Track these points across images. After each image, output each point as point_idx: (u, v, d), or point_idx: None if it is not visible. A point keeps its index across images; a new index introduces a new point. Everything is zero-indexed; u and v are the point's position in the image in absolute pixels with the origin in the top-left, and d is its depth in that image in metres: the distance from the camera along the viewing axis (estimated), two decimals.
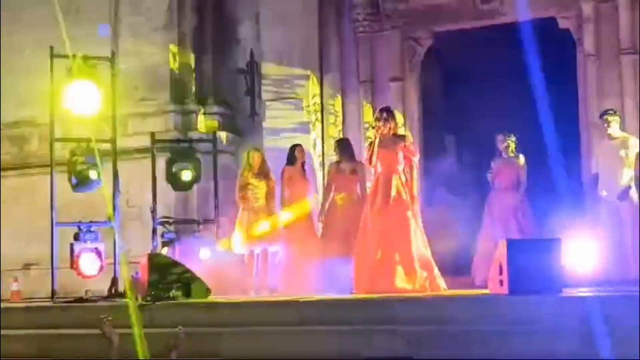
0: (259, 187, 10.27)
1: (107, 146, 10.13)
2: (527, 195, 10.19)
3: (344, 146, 10.27)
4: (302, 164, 10.42)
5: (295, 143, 10.55)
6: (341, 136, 11.34)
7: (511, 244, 7.42)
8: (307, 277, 9.79)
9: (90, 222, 9.95)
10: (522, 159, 10.32)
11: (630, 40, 10.56)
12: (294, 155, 10.37)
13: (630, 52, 10.56)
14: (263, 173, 10.33)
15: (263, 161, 10.42)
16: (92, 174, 9.70)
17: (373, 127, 8.97)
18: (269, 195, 10.29)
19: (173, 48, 12.20)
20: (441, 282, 8.76)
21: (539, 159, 10.33)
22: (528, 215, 9.93)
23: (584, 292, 7.48)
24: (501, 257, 7.44)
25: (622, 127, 10.17)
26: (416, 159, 9.09)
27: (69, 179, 9.81)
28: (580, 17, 10.94)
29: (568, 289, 7.45)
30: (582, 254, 9.74)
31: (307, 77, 11.66)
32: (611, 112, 9.68)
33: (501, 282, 7.41)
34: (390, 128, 8.90)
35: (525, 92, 13.68)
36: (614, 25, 10.71)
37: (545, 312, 6.77)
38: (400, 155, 8.92)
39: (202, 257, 10.42)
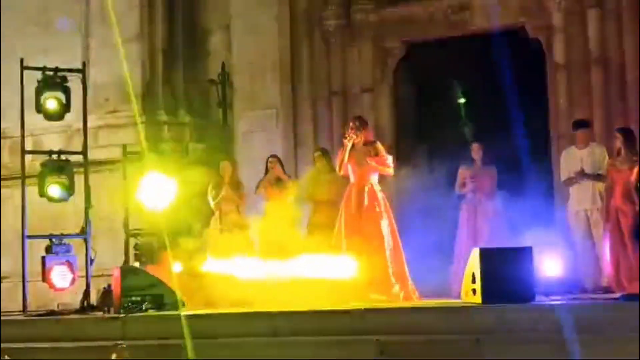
0: (230, 198, 10.25)
1: (78, 158, 10.07)
2: (497, 204, 10.16)
3: (329, 156, 10.22)
4: (279, 173, 10.38)
5: (271, 154, 10.51)
6: (317, 146, 11.26)
7: (483, 253, 7.45)
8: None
9: (62, 234, 9.87)
10: (494, 168, 10.24)
11: (599, 50, 10.65)
12: (267, 166, 10.36)
13: (599, 61, 10.64)
14: (234, 184, 10.31)
15: (234, 172, 10.40)
16: (63, 187, 9.63)
17: (345, 137, 8.97)
18: (240, 205, 10.27)
19: (144, 59, 12.14)
20: (415, 294, 8.77)
21: (510, 168, 10.38)
22: (502, 223, 9.92)
23: (556, 299, 7.52)
24: (474, 266, 7.47)
25: (592, 137, 10.25)
26: (390, 170, 9.08)
27: (39, 192, 9.73)
28: (550, 27, 11.02)
29: (540, 296, 7.48)
30: (553, 262, 9.82)
31: (278, 88, 11.65)
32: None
33: (474, 290, 7.43)
34: (362, 136, 8.91)
35: (496, 101, 13.81)
36: (584, 35, 10.80)
37: (518, 320, 6.80)
38: (373, 167, 8.91)
39: (175, 269, 10.35)
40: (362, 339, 7.00)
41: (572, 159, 9.76)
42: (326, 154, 10.22)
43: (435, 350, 6.66)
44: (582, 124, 9.86)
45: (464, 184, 10.13)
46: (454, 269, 9.92)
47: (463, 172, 10.17)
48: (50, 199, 9.81)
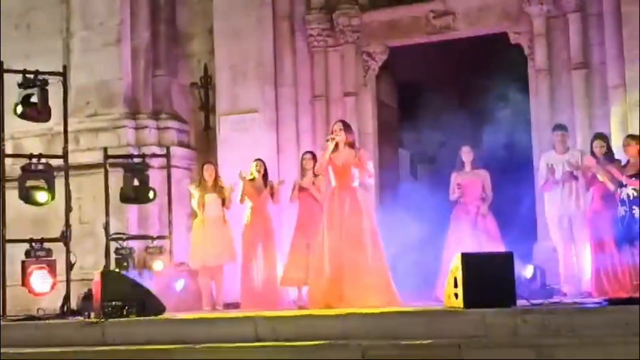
0: (213, 201, 10.24)
1: (59, 162, 10.01)
2: (486, 206, 10.12)
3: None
4: (263, 178, 10.36)
5: (256, 158, 10.49)
6: (302, 150, 11.23)
7: (466, 258, 7.45)
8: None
9: (42, 238, 9.81)
10: (485, 171, 10.19)
11: (581, 54, 10.70)
12: (251, 170, 10.35)
13: (581, 66, 10.68)
14: (217, 187, 10.30)
15: (217, 175, 10.39)
16: (43, 191, 9.58)
17: (328, 140, 8.95)
18: (223, 209, 10.26)
19: (126, 62, 12.10)
20: (397, 297, 8.76)
21: (490, 173, 10.40)
22: (494, 229, 9.91)
23: (537, 304, 7.53)
24: (456, 271, 7.47)
25: (574, 141, 10.29)
26: (370, 179, 9.06)
27: (19, 195, 9.67)
28: (531, 32, 11.06)
29: (522, 301, 7.49)
30: (535, 266, 9.85)
31: (261, 91, 11.63)
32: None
33: (456, 295, 7.43)
34: (344, 138, 8.90)
35: (479, 106, 13.84)
36: (565, 40, 10.84)
37: (499, 324, 6.81)
38: (355, 171, 8.90)
39: (156, 274, 10.34)
40: (344, 344, 6.98)
41: (551, 163, 9.77)
42: (315, 157, 10.21)
43: (417, 354, 6.65)
44: (561, 126, 9.90)
45: (455, 190, 10.08)
46: (441, 272, 9.90)
47: (455, 177, 10.13)
48: (31, 203, 9.74)
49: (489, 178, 10.04)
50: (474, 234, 9.80)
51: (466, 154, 10.11)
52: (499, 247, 9.54)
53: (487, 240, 9.70)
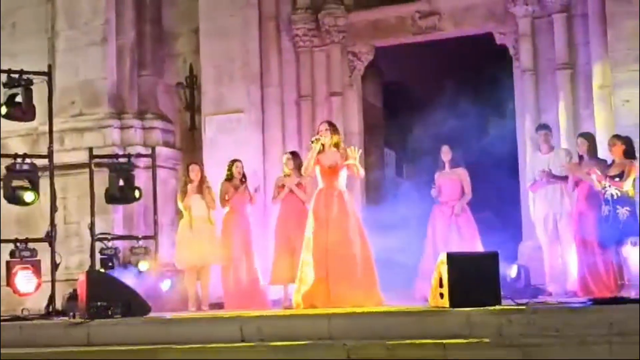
0: (198, 202, 10.22)
1: (44, 161, 9.98)
2: (469, 206, 10.15)
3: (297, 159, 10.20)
4: (241, 180, 10.36)
5: (233, 159, 10.48)
6: (287, 150, 11.23)
7: (451, 257, 7.47)
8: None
9: (27, 238, 9.77)
10: (464, 170, 10.22)
11: (565, 55, 10.73)
12: (231, 171, 10.34)
13: (566, 66, 10.72)
14: (202, 187, 10.28)
15: (203, 175, 10.38)
16: (28, 191, 9.54)
17: (313, 142, 8.95)
18: (209, 209, 10.25)
19: (111, 62, 12.07)
20: (382, 296, 8.78)
21: (477, 173, 10.43)
22: (470, 227, 9.94)
23: (522, 303, 7.55)
24: (441, 270, 7.49)
25: (558, 141, 10.33)
26: (361, 171, 9.07)
27: (4, 195, 9.63)
28: (516, 33, 11.09)
29: (507, 300, 7.51)
30: (519, 266, 9.89)
31: (247, 92, 11.62)
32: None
33: (441, 294, 7.45)
34: (330, 139, 8.90)
35: (465, 106, 13.87)
36: (550, 40, 10.88)
37: (485, 324, 6.82)
38: (343, 172, 8.91)
39: (142, 274, 10.32)
40: (329, 344, 6.98)
41: (537, 164, 9.82)
42: (296, 157, 10.21)
43: (402, 354, 6.66)
44: (544, 126, 9.95)
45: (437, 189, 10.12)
46: (420, 271, 9.94)
47: (437, 176, 10.19)
48: (17, 203, 9.70)
49: (468, 177, 10.07)
50: (450, 233, 9.83)
51: (445, 154, 10.15)
52: (476, 246, 9.59)
53: (463, 239, 9.73)
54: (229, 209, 10.27)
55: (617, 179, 8.78)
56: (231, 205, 10.26)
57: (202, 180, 10.34)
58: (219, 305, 10.31)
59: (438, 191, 10.10)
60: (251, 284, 10.16)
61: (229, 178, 10.31)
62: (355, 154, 8.81)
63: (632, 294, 7.72)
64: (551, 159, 9.70)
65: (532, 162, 9.93)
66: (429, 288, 9.02)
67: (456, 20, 11.55)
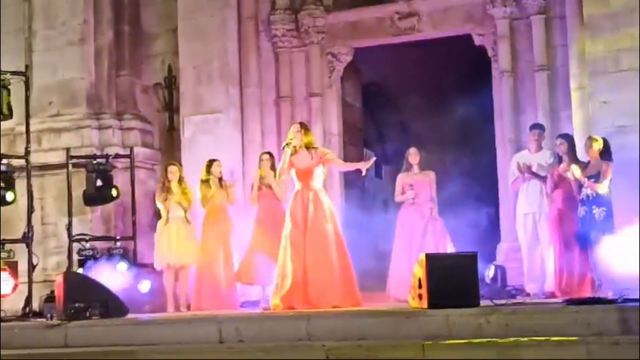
0: (177, 202, 10.20)
1: (21, 162, 9.92)
2: (438, 208, 10.15)
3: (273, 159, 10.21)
4: (220, 179, 10.36)
5: (211, 159, 10.47)
6: (263, 151, 11.22)
7: (430, 259, 7.48)
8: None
9: (4, 239, 9.71)
10: (433, 173, 10.22)
11: (544, 56, 10.77)
12: (209, 171, 10.33)
13: (544, 68, 10.77)
14: (181, 187, 10.27)
15: (181, 176, 10.36)
16: (5, 191, 9.49)
17: (287, 144, 8.96)
18: (187, 209, 10.23)
19: (89, 62, 12.00)
20: (360, 297, 8.79)
21: (455, 173, 10.46)
22: (438, 229, 9.95)
23: (500, 304, 7.58)
24: (420, 271, 7.50)
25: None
26: (335, 157, 9.09)
27: None
28: (495, 34, 11.12)
29: (485, 301, 7.54)
30: (496, 266, 9.92)
31: (226, 92, 11.59)
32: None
33: (420, 296, 7.46)
34: (301, 140, 8.92)
35: (443, 106, 13.93)
36: (528, 42, 10.92)
37: (463, 325, 6.85)
38: (318, 170, 8.91)
39: (119, 274, 10.27)
40: (308, 345, 6.99)
41: (523, 162, 9.81)
42: (273, 157, 10.22)
43: (381, 355, 6.67)
44: (538, 126, 9.96)
45: (403, 191, 10.09)
46: (391, 272, 9.95)
47: (402, 178, 10.15)
48: None
49: (435, 181, 10.08)
50: (423, 234, 9.84)
51: (413, 156, 10.11)
52: (449, 249, 9.62)
53: (437, 242, 9.75)
54: (208, 209, 10.26)
55: (592, 180, 8.82)
56: (211, 205, 10.25)
57: (181, 180, 10.32)
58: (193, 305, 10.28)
59: (410, 194, 10.02)
60: (228, 286, 10.15)
61: (207, 178, 10.30)
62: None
63: (609, 295, 7.75)
64: (538, 158, 9.73)
65: (518, 160, 9.89)
66: (401, 288, 9.09)
67: (435, 21, 11.57)
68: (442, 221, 9.98)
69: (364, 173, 9.08)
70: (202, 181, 10.27)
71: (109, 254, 10.66)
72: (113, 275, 9.91)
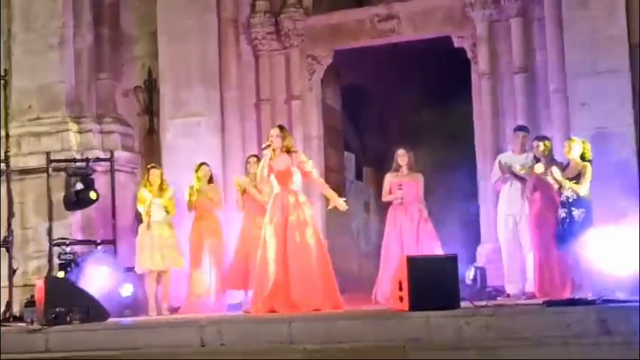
0: (158, 206, 10.20)
1: (0, 166, 9.88)
2: (426, 210, 10.18)
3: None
4: (209, 182, 10.38)
5: (200, 162, 10.49)
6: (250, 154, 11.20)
7: (411, 261, 7.51)
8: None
9: None
10: (420, 174, 10.25)
11: (522, 59, 10.81)
12: (197, 174, 10.35)
13: (523, 70, 10.81)
14: (162, 191, 10.26)
15: (162, 179, 10.35)
16: None
17: (266, 147, 8.98)
18: (170, 213, 10.23)
19: (69, 66, 11.95)
20: (341, 299, 8.81)
21: (435, 175, 10.49)
22: (428, 231, 9.98)
23: (481, 305, 7.61)
24: (401, 274, 7.53)
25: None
26: (313, 170, 9.10)
27: None
28: (474, 37, 11.16)
29: (466, 302, 7.57)
30: (476, 267, 9.96)
31: (206, 95, 11.58)
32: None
33: (401, 298, 7.49)
34: (280, 144, 8.93)
35: (423, 108, 13.97)
36: (508, 44, 10.96)
37: (444, 326, 6.88)
38: (297, 173, 8.94)
39: (101, 279, 10.24)
40: (289, 348, 7.00)
41: (508, 162, 9.85)
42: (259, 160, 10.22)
43: (362, 357, 6.69)
44: (522, 128, 10.01)
45: (390, 192, 10.14)
46: (380, 274, 9.97)
47: (390, 179, 10.18)
48: None
49: (423, 182, 10.11)
50: (414, 236, 9.86)
51: (402, 157, 10.14)
52: (437, 250, 9.65)
53: (428, 244, 9.78)
54: (196, 213, 10.28)
55: (573, 182, 8.87)
56: (199, 209, 10.28)
57: (162, 184, 10.32)
58: (179, 310, 10.27)
59: (399, 193, 10.04)
60: (218, 292, 10.18)
61: (196, 182, 10.33)
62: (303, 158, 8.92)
63: (589, 296, 7.80)
64: (522, 160, 9.77)
65: (502, 160, 9.92)
66: (388, 288, 9.09)
67: (415, 24, 11.59)
68: (431, 224, 10.00)
69: (338, 206, 9.04)
70: (190, 185, 10.29)
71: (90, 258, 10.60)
72: (94, 279, 9.89)
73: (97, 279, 9.99)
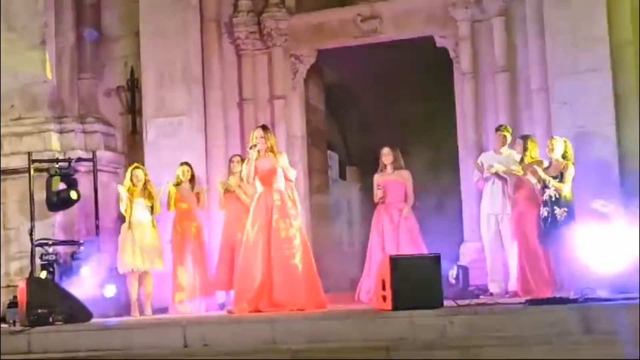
0: (141, 206, 10.17)
1: None
2: (413, 210, 10.19)
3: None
4: (190, 182, 10.39)
5: (182, 162, 10.49)
6: (234, 154, 11.19)
7: (394, 260, 7.53)
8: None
9: None
10: (408, 172, 10.26)
11: (504, 58, 10.84)
12: (178, 175, 10.35)
13: (505, 70, 10.85)
14: (146, 190, 10.24)
15: (146, 179, 10.33)
16: None
17: (251, 147, 8.98)
18: (153, 212, 10.21)
19: (50, 65, 11.90)
20: (324, 299, 8.82)
21: (418, 174, 10.50)
22: (414, 230, 9.99)
23: (464, 305, 7.64)
24: (384, 273, 7.54)
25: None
26: (293, 174, 9.12)
27: None
28: (457, 36, 11.19)
29: (449, 302, 7.60)
30: (458, 267, 9.99)
31: (189, 94, 11.55)
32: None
33: (384, 297, 7.50)
34: (264, 145, 8.94)
35: (406, 108, 13.99)
36: (490, 43, 10.99)
37: (427, 326, 6.89)
38: (280, 172, 8.95)
39: (83, 279, 10.21)
40: (274, 348, 7.00)
41: (489, 161, 9.89)
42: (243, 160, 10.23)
43: (345, 356, 6.70)
44: (503, 127, 10.03)
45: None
46: (365, 273, 9.97)
47: (376, 179, 10.19)
48: None
49: (411, 180, 10.11)
50: (394, 235, 9.86)
51: (386, 156, 10.14)
52: (421, 250, 9.65)
53: (408, 242, 9.78)
54: (177, 213, 10.28)
55: (556, 180, 8.91)
56: (179, 209, 10.27)
57: (146, 184, 10.29)
58: (162, 311, 10.25)
59: (384, 192, 10.05)
60: (203, 289, 10.18)
61: (178, 182, 10.34)
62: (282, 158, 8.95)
63: (571, 294, 7.84)
64: (503, 159, 9.80)
65: (485, 160, 9.96)
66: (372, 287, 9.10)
67: (397, 23, 11.61)
68: (415, 222, 9.97)
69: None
70: (173, 184, 10.29)
71: (72, 259, 10.57)
72: (77, 279, 9.86)
73: (80, 279, 9.98)
